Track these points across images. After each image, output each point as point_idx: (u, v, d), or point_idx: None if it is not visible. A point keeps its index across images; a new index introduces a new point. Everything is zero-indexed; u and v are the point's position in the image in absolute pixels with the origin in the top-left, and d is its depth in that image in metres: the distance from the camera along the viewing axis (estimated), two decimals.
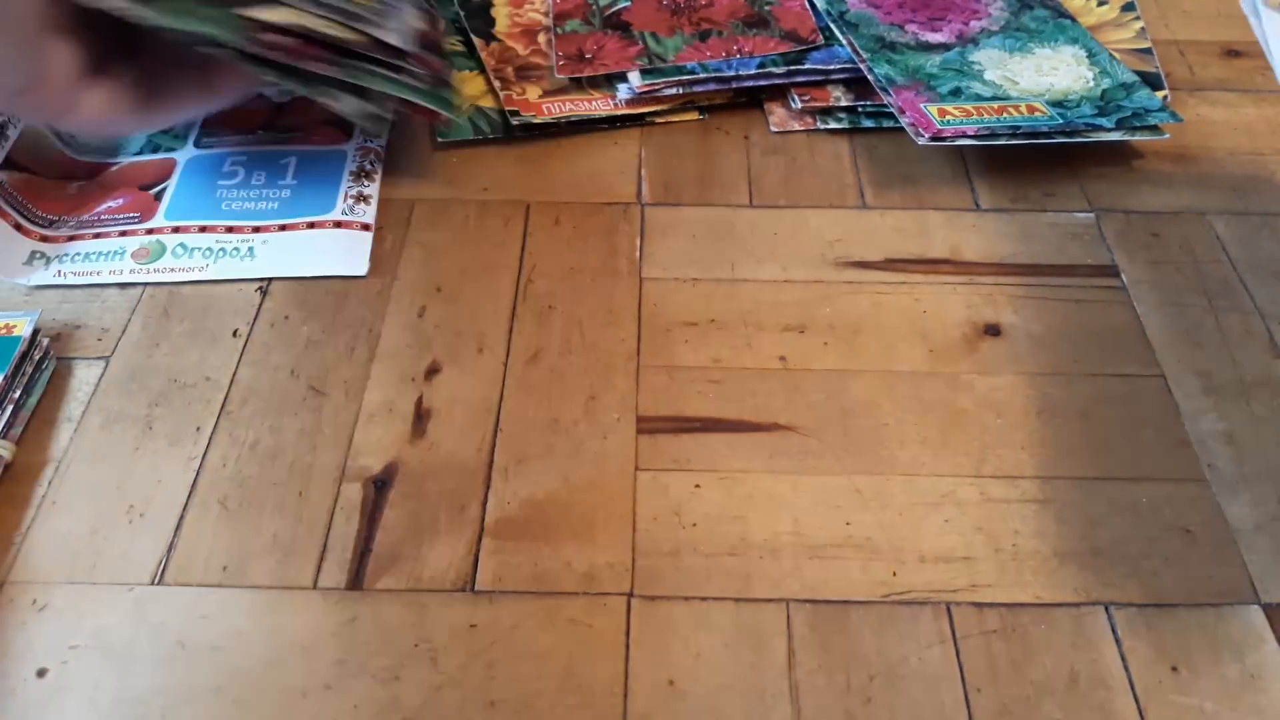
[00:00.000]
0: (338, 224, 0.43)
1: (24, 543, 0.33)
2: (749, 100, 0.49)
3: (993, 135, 0.44)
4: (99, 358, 0.38)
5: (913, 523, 0.33)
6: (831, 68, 0.49)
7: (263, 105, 0.48)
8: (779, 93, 0.49)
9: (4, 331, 0.36)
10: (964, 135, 0.44)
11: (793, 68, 0.49)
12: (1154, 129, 0.45)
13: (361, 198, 0.44)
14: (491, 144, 0.47)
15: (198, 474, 0.34)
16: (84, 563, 0.32)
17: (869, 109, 0.48)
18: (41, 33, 0.33)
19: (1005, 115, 0.45)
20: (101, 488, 0.34)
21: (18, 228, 0.41)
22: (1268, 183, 0.45)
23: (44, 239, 0.42)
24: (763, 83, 0.49)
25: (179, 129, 0.47)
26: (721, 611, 0.31)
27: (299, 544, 0.33)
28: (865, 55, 0.48)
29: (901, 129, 0.45)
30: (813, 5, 0.52)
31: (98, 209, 0.43)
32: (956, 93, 0.46)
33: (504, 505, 0.34)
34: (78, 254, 0.42)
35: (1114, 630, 0.31)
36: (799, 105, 0.48)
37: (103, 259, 0.41)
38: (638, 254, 0.42)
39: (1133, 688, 0.29)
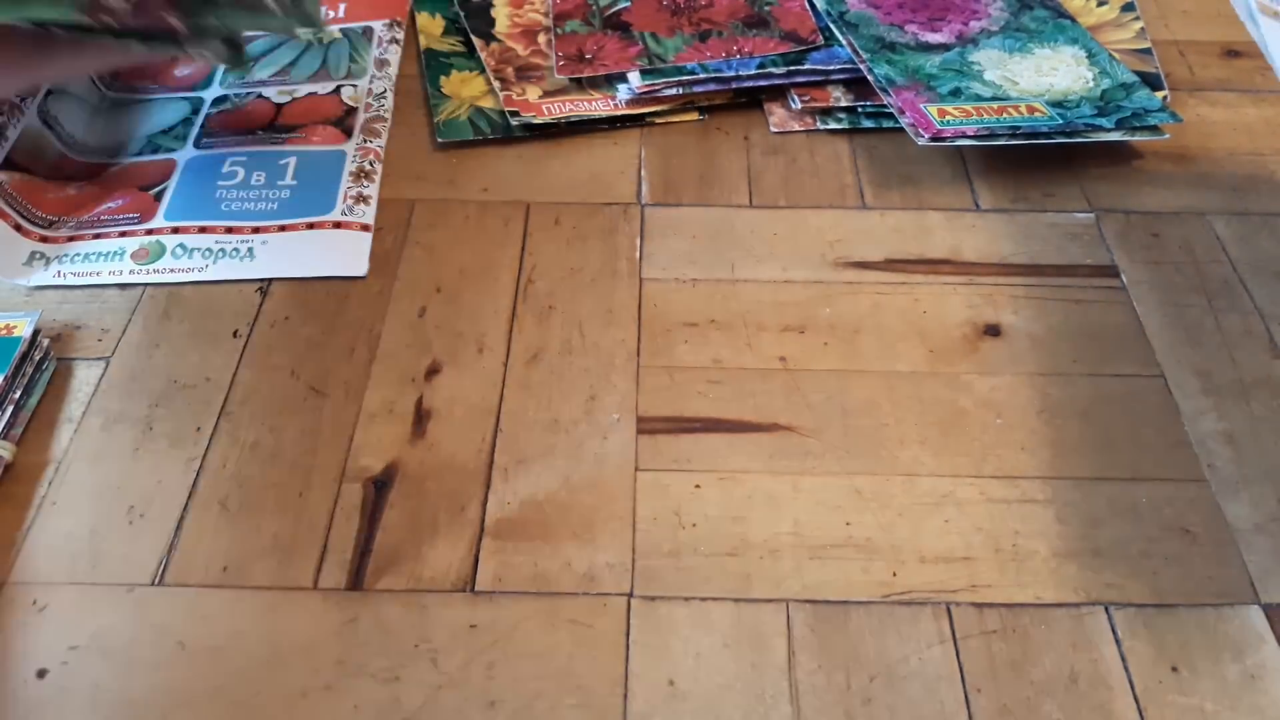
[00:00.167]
0: (337, 224, 0.43)
1: (24, 543, 0.33)
2: (749, 100, 0.49)
3: (993, 135, 0.44)
4: (99, 358, 0.38)
5: (913, 523, 0.33)
6: (831, 68, 0.49)
7: (264, 106, 0.48)
8: (779, 93, 0.49)
9: (4, 332, 0.36)
10: (964, 135, 0.44)
11: (793, 68, 0.49)
12: (1154, 129, 0.45)
13: (361, 198, 0.44)
14: (491, 144, 0.47)
15: (198, 474, 0.34)
16: (84, 563, 0.32)
17: (869, 109, 0.48)
18: None
19: (1005, 115, 0.45)
20: (102, 488, 0.34)
21: (17, 228, 0.41)
22: (1268, 183, 0.45)
23: (44, 239, 0.42)
24: (763, 83, 0.49)
25: (178, 129, 0.47)
26: (721, 611, 0.31)
27: (299, 544, 0.33)
28: (865, 55, 0.48)
29: (901, 129, 0.45)
30: (813, 5, 0.52)
31: (97, 209, 0.43)
32: (956, 93, 0.46)
33: (504, 505, 0.34)
34: (78, 254, 0.42)
35: (1114, 630, 0.31)
36: (799, 105, 0.48)
37: (103, 259, 0.41)
38: (638, 254, 0.42)
39: (1133, 688, 0.29)
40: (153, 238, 0.42)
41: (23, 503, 0.34)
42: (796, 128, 0.48)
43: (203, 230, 0.42)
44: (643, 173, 0.45)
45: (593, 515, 0.33)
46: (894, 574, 0.32)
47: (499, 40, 0.51)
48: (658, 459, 0.35)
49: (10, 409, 0.35)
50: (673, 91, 0.48)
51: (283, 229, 0.43)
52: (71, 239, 0.42)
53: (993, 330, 0.39)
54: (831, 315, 0.39)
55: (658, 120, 0.48)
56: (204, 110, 0.48)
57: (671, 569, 0.32)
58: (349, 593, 0.31)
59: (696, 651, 0.30)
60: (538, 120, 0.47)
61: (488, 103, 0.48)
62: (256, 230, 0.42)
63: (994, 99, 0.46)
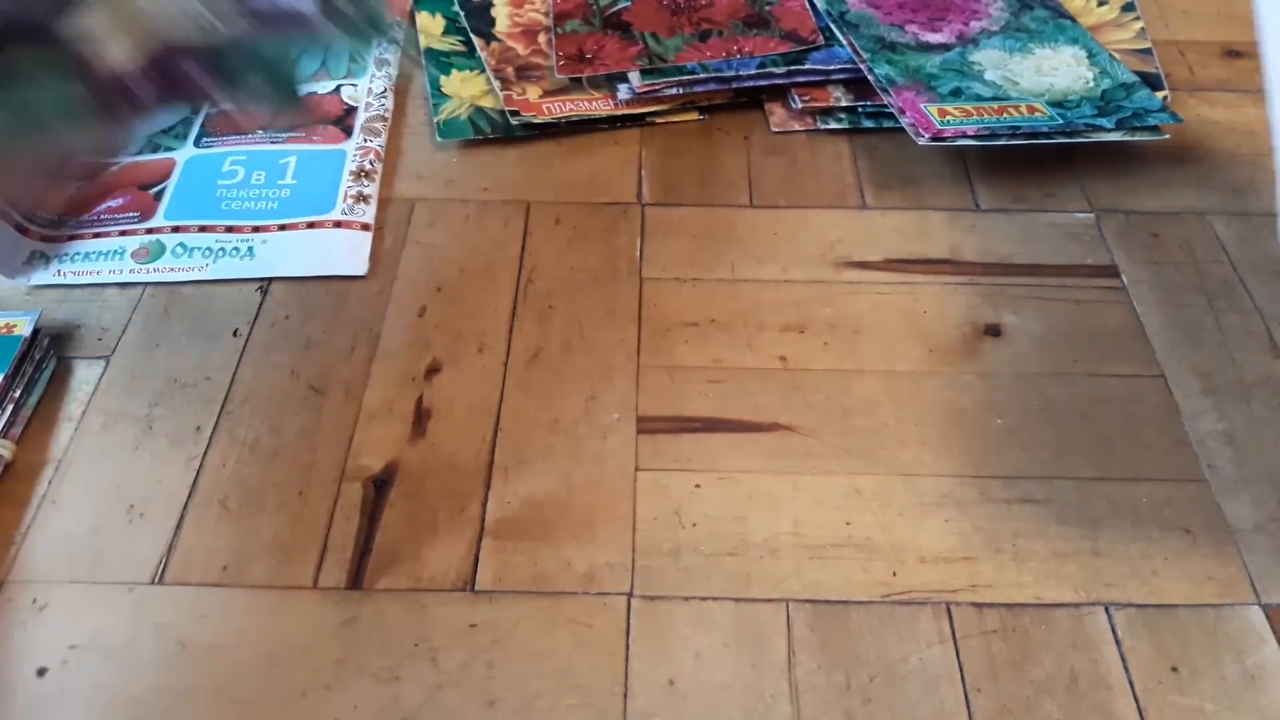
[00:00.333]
0: (338, 224, 0.43)
1: (24, 542, 0.33)
2: (749, 100, 0.49)
3: (993, 135, 0.44)
4: (99, 357, 0.38)
5: (913, 523, 0.33)
6: (831, 68, 0.49)
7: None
8: (779, 93, 0.49)
9: (4, 331, 0.36)
10: (964, 135, 0.44)
11: (793, 68, 0.49)
12: (1154, 129, 0.45)
13: (361, 197, 0.44)
14: (492, 144, 0.47)
15: (198, 474, 0.34)
16: (84, 562, 0.32)
17: (869, 109, 0.48)
18: None
19: (1005, 115, 0.45)
20: (102, 487, 0.34)
21: (19, 228, 0.41)
22: (1268, 183, 0.45)
23: (44, 239, 0.42)
24: (763, 83, 0.49)
25: (178, 128, 0.47)
26: (721, 611, 0.31)
27: (299, 544, 0.32)
28: (865, 55, 0.48)
29: (901, 129, 0.45)
30: (813, 5, 0.52)
31: (98, 209, 0.43)
32: (957, 93, 0.46)
33: (504, 505, 0.34)
34: (78, 254, 0.42)
35: (1114, 630, 0.31)
36: (799, 105, 0.48)
37: (103, 259, 0.41)
38: (638, 254, 0.42)
39: (1133, 688, 0.29)
40: (153, 237, 0.42)
41: (22, 501, 0.34)
42: (797, 128, 0.48)
43: (203, 229, 0.42)
44: (643, 172, 0.45)
45: (593, 515, 0.33)
46: (894, 574, 0.32)
47: (499, 40, 0.51)
48: (658, 459, 0.35)
49: (10, 408, 0.35)
50: (673, 91, 0.48)
51: (283, 228, 0.43)
52: (72, 238, 0.42)
53: (993, 330, 0.39)
54: (831, 315, 0.39)
55: (658, 120, 0.48)
56: (204, 109, 0.48)
57: (671, 569, 0.32)
58: (349, 592, 0.31)
59: (696, 651, 0.30)
60: (538, 120, 0.47)
61: (488, 102, 0.48)
62: (257, 229, 0.42)
63: (994, 99, 0.46)
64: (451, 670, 0.30)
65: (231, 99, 0.29)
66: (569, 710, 0.29)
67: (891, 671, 0.30)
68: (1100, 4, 0.54)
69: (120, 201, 0.44)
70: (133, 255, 0.41)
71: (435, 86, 0.49)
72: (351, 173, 0.45)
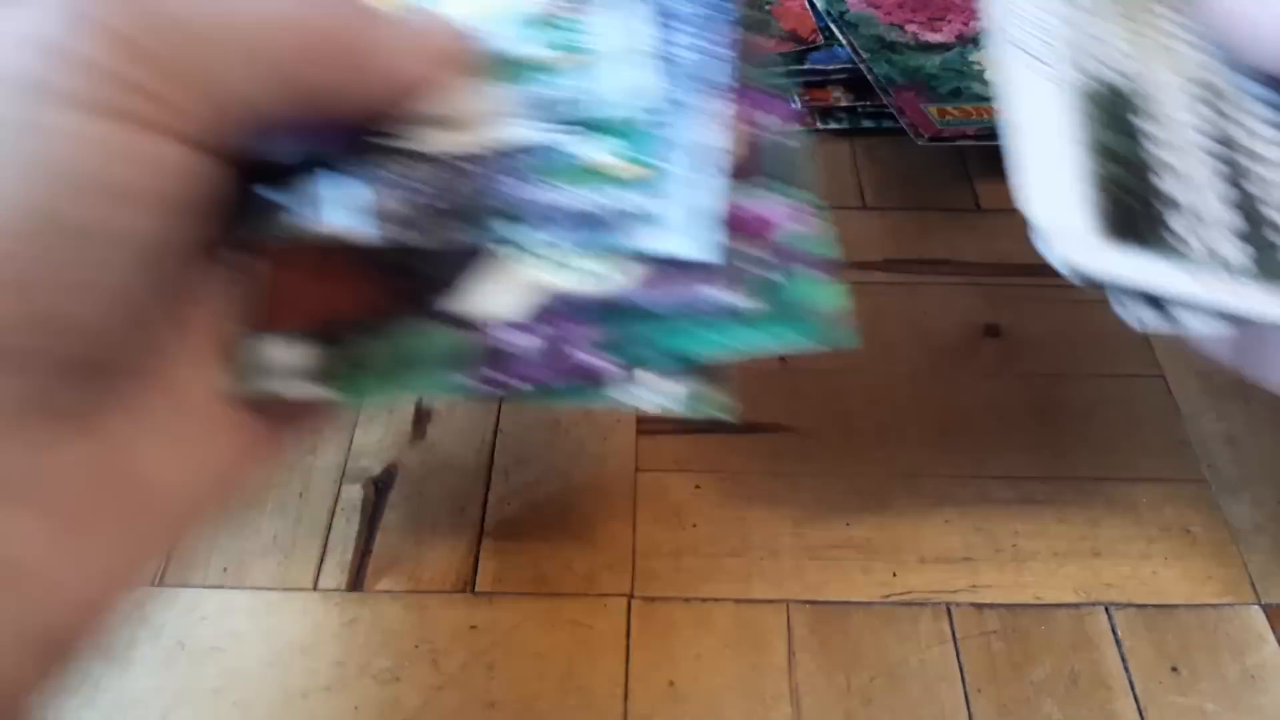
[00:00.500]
0: None
1: None
2: None
3: (993, 135, 0.44)
4: None
5: (913, 523, 0.33)
6: (831, 68, 0.49)
7: None
8: None
9: None
10: (964, 135, 0.44)
11: (793, 68, 0.49)
12: None
13: None
14: None
15: None
16: None
17: (869, 109, 0.48)
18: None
19: None
20: None
21: None
22: None
23: None
24: None
25: None
26: (722, 612, 0.31)
27: (299, 545, 0.32)
28: (865, 55, 0.48)
29: (901, 129, 0.45)
30: (813, 5, 0.52)
31: None
32: (956, 93, 0.46)
33: (504, 506, 0.34)
34: None
35: (1114, 630, 0.31)
36: (799, 105, 0.48)
37: None
38: None
39: (1133, 688, 0.29)
40: None
41: None
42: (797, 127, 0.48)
43: None
44: None
45: (593, 515, 0.33)
46: (894, 574, 0.32)
47: None
48: (658, 459, 0.35)
49: None
50: None
51: None
52: None
53: (993, 330, 0.39)
54: None
55: None
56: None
57: (671, 569, 0.32)
58: (349, 593, 0.31)
59: (696, 652, 0.30)
60: None
61: None
62: None
63: (994, 99, 0.46)
64: (452, 671, 0.30)
65: (626, 383, 0.21)
66: (569, 711, 0.29)
67: (892, 672, 0.30)
68: None
69: None
70: None
71: None
72: None
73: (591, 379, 0.20)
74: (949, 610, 0.31)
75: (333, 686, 0.29)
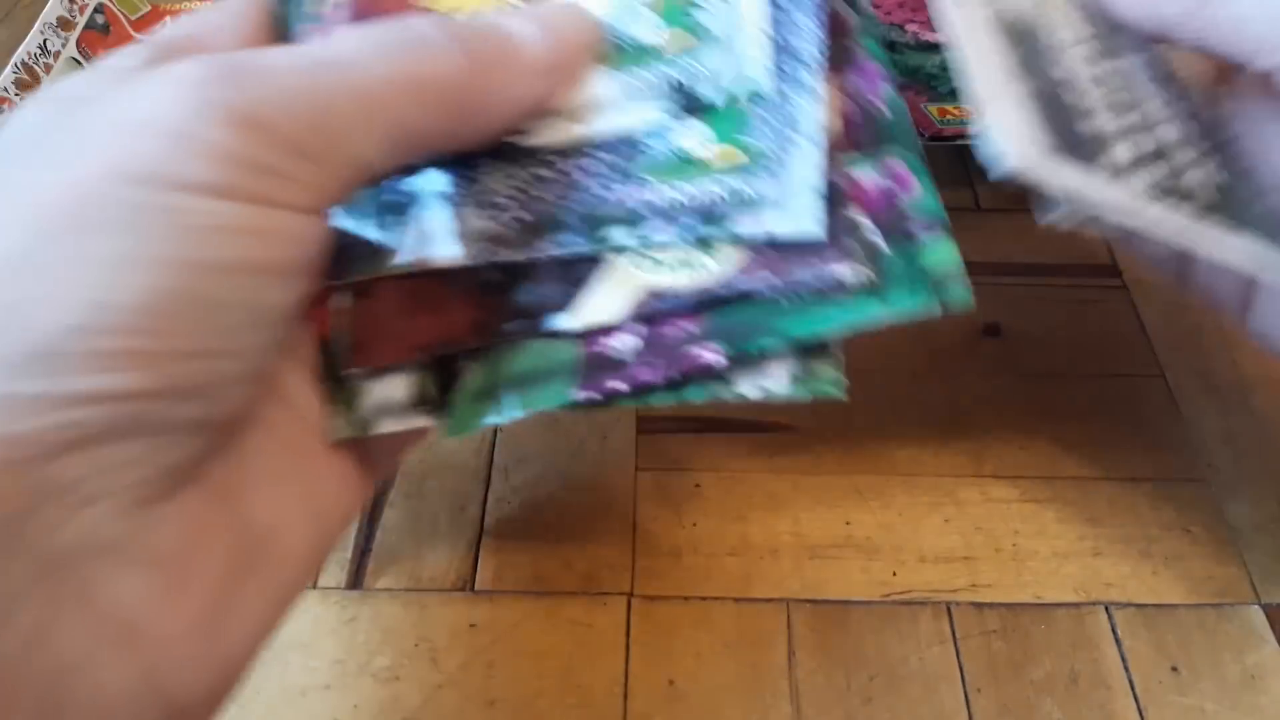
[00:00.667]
0: None
1: None
2: None
3: None
4: None
5: (913, 523, 0.33)
6: None
7: None
8: None
9: None
10: (964, 135, 0.44)
11: None
12: None
13: None
14: None
15: None
16: None
17: None
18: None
19: None
20: None
21: None
22: None
23: None
24: None
25: None
26: (721, 611, 0.31)
27: None
28: None
29: None
30: None
31: None
32: (956, 93, 0.46)
33: (504, 505, 0.34)
34: None
35: (1114, 630, 0.31)
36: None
37: None
38: None
39: (1133, 688, 0.29)
40: None
41: None
42: None
43: None
44: None
45: (593, 515, 0.33)
46: (894, 573, 0.32)
47: None
48: (658, 459, 0.35)
49: None
50: None
51: None
52: None
53: (993, 330, 0.39)
54: None
55: None
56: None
57: (671, 569, 0.32)
58: (349, 592, 0.31)
59: (696, 651, 0.30)
60: None
61: None
62: None
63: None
64: (451, 670, 0.30)
65: (738, 376, 0.20)
66: (569, 710, 0.29)
67: (892, 671, 0.30)
68: None
69: None
70: None
71: None
72: None
73: (698, 373, 0.19)
74: (949, 610, 0.31)
75: (332, 684, 0.29)
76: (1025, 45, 0.23)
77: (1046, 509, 0.33)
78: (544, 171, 0.20)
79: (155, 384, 0.15)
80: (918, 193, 0.21)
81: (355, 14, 0.21)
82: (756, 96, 0.21)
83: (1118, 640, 0.30)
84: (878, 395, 0.37)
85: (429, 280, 0.19)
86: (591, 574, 0.32)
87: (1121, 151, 0.22)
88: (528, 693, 0.29)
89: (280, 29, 0.21)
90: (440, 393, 0.19)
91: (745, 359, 0.19)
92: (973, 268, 0.44)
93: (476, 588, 0.31)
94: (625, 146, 0.21)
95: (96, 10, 0.40)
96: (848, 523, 0.33)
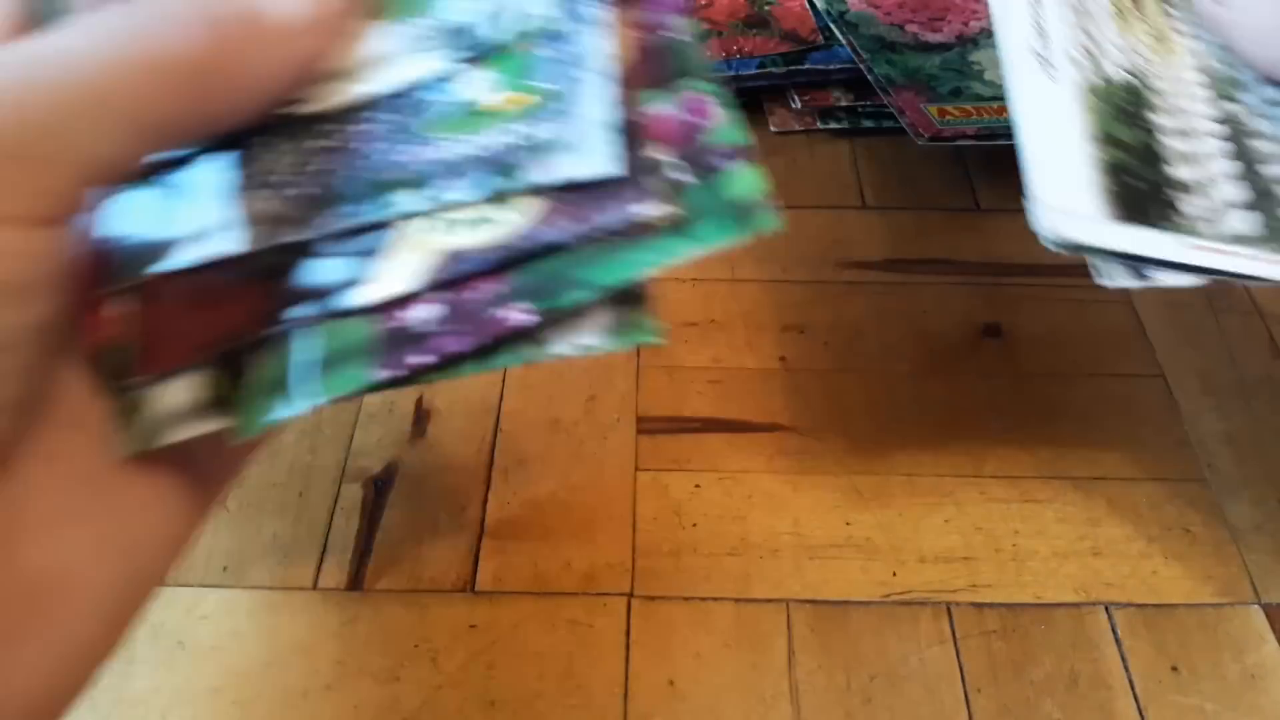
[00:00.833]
0: None
1: None
2: (749, 100, 0.49)
3: (993, 135, 0.44)
4: None
5: (913, 523, 0.33)
6: (831, 68, 0.49)
7: None
8: (779, 93, 0.49)
9: None
10: (964, 135, 0.44)
11: (793, 68, 0.49)
12: None
13: None
14: None
15: None
16: None
17: (869, 109, 0.48)
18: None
19: (1005, 115, 0.45)
20: None
21: None
22: None
23: None
24: (763, 83, 0.49)
25: None
26: (721, 611, 0.31)
27: (299, 544, 0.32)
28: (865, 55, 0.48)
29: (901, 129, 0.45)
30: (813, 5, 0.52)
31: None
32: (956, 93, 0.46)
33: (504, 505, 0.34)
34: None
35: (1114, 630, 0.31)
36: (799, 105, 0.48)
37: None
38: None
39: (1133, 688, 0.29)
40: None
41: None
42: (796, 128, 0.48)
43: None
44: None
45: (593, 515, 0.33)
46: (894, 574, 0.32)
47: None
48: (658, 459, 0.35)
49: None
50: None
51: None
52: None
53: (993, 330, 0.39)
54: (831, 315, 0.39)
55: None
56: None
57: (671, 569, 0.32)
58: (349, 593, 0.31)
59: (696, 651, 0.30)
60: None
61: None
62: None
63: (994, 99, 0.46)
64: (451, 671, 0.30)
65: (555, 331, 0.19)
66: (569, 710, 0.29)
67: (892, 671, 0.30)
68: None
69: None
70: None
71: None
72: None
73: (509, 336, 0.18)
74: (949, 610, 0.31)
75: (332, 685, 0.29)
76: (1119, 100, 0.22)
77: (1046, 509, 0.33)
78: (324, 142, 0.19)
79: None
80: (719, 122, 0.20)
81: None
82: (544, 34, 0.20)
83: (1118, 640, 0.30)
84: (878, 395, 0.37)
85: (211, 273, 0.18)
86: (591, 574, 0.32)
87: (1225, 192, 0.22)
88: (528, 693, 0.29)
89: (36, 24, 0.19)
90: (227, 390, 0.18)
91: (557, 315, 0.18)
92: (973, 268, 0.44)
93: (476, 588, 0.31)
94: (408, 105, 0.20)
95: None
96: (848, 523, 0.33)
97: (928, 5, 0.52)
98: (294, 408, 0.18)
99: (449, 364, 0.18)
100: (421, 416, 0.36)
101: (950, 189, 0.45)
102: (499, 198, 0.18)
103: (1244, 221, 0.22)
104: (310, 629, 0.30)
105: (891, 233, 0.43)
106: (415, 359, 0.18)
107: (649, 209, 0.18)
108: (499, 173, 0.18)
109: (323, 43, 0.19)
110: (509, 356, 0.18)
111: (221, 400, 0.18)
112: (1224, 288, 0.40)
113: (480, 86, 0.20)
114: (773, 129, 0.48)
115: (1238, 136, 0.23)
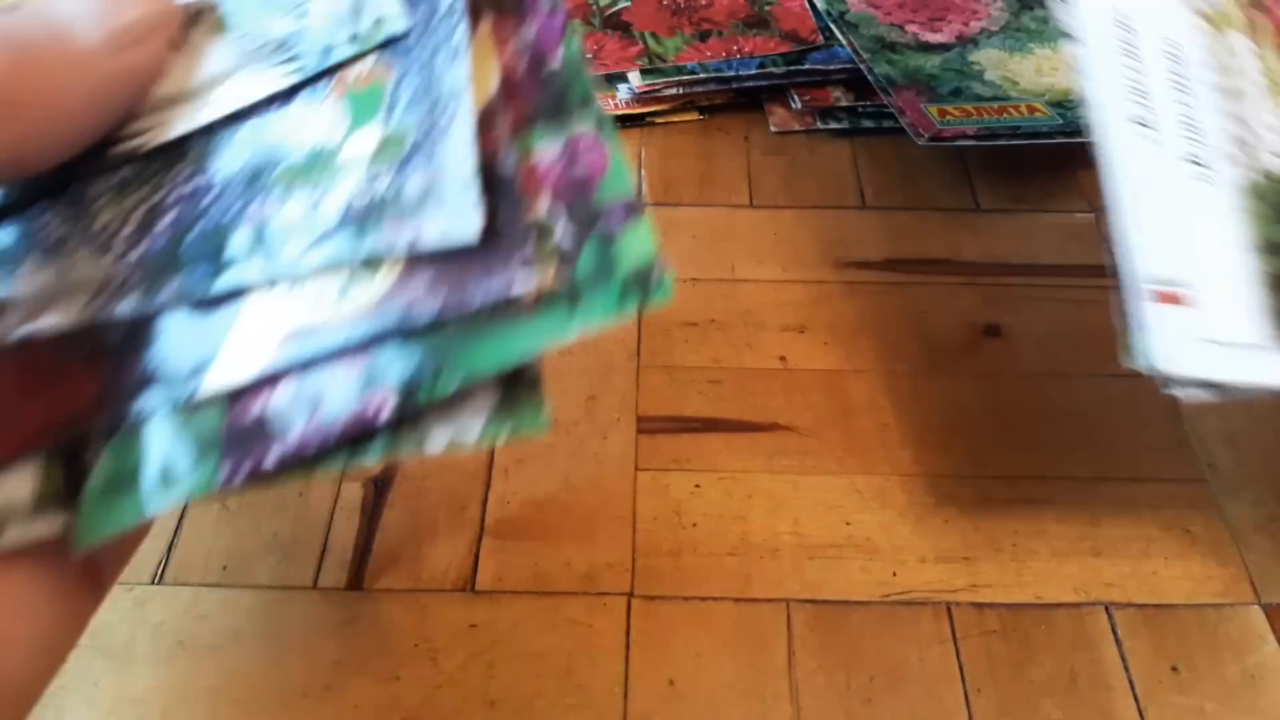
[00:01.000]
0: None
1: None
2: (749, 100, 0.49)
3: (993, 135, 0.44)
4: None
5: (913, 523, 0.33)
6: (831, 68, 0.49)
7: None
8: (779, 93, 0.49)
9: None
10: (964, 135, 0.44)
11: (793, 68, 0.49)
12: None
13: None
14: None
15: None
16: None
17: (869, 109, 0.48)
18: None
19: (1005, 115, 0.45)
20: None
21: None
22: None
23: None
24: (763, 83, 0.49)
25: None
26: (721, 611, 0.31)
27: (299, 544, 0.32)
28: (865, 55, 0.48)
29: (901, 129, 0.45)
30: (813, 5, 0.52)
31: None
32: (956, 93, 0.46)
33: (504, 505, 0.33)
34: None
35: (1114, 630, 0.31)
36: (799, 105, 0.48)
37: None
38: None
39: (1133, 688, 0.29)
40: None
41: None
42: (796, 128, 0.48)
43: None
44: (643, 172, 0.45)
45: (593, 515, 0.33)
46: (894, 574, 0.32)
47: None
48: (658, 459, 0.35)
49: None
50: (673, 91, 0.48)
51: None
52: None
53: (993, 330, 0.39)
54: (831, 315, 0.39)
55: (658, 120, 0.48)
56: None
57: (671, 569, 0.32)
58: (349, 592, 0.31)
59: (696, 651, 0.30)
60: None
61: None
62: None
63: (994, 99, 0.46)
64: (451, 670, 0.30)
65: (430, 426, 0.16)
66: (568, 710, 0.29)
67: (892, 672, 0.30)
68: None
69: None
70: None
71: None
72: None
73: (366, 427, 0.15)
74: (949, 610, 0.31)
75: (332, 685, 0.29)
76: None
77: (1046, 509, 0.33)
78: (160, 192, 0.17)
79: None
80: (608, 169, 0.17)
81: None
82: (393, 51, 0.17)
83: (1118, 640, 0.30)
84: (878, 395, 0.37)
85: (42, 349, 0.16)
86: (591, 574, 0.32)
87: None
88: (528, 693, 0.29)
89: None
90: (61, 481, 0.16)
91: (426, 403, 0.16)
92: (973, 268, 0.44)
93: (476, 588, 0.31)
94: (251, 143, 0.17)
95: None
96: (848, 523, 0.33)
97: (928, 5, 0.52)
98: (136, 514, 0.16)
99: (306, 460, 0.16)
100: None
101: (950, 189, 0.45)
102: (357, 263, 0.16)
103: None
104: (310, 629, 0.30)
105: (891, 233, 0.43)
106: (265, 455, 0.15)
107: (529, 281, 0.16)
108: (356, 235, 0.16)
109: (135, 63, 0.16)
110: (374, 449, 0.16)
111: (64, 495, 0.16)
112: None
113: (330, 123, 0.17)
114: (773, 129, 0.48)
115: None
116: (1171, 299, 0.17)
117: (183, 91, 0.17)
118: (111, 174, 0.17)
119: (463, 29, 0.17)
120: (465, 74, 0.16)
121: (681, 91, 0.48)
